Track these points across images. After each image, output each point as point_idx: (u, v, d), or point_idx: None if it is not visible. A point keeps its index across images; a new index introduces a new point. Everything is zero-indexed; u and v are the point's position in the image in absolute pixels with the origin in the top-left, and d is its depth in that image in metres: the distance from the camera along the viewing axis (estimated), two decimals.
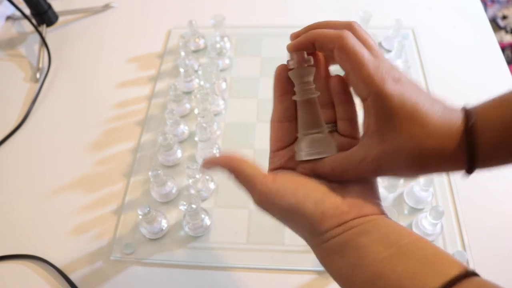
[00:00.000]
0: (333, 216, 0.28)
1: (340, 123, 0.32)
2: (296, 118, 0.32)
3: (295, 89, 0.31)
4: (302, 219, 0.28)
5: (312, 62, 0.30)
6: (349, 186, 0.30)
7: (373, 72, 0.27)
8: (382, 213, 0.30)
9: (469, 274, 0.24)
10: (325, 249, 0.28)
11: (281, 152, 0.33)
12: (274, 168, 0.33)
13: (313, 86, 0.31)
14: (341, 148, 0.31)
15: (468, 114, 0.27)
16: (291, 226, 0.30)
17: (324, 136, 0.31)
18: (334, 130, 0.32)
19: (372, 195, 0.30)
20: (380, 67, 0.27)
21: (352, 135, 0.31)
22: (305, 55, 0.30)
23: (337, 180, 0.30)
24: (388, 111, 0.27)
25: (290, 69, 0.31)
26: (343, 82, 0.31)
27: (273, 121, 0.33)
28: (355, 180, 0.30)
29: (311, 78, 0.30)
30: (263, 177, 0.30)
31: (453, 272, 0.23)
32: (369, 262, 0.26)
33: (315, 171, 0.31)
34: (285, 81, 0.31)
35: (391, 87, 0.27)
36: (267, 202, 0.29)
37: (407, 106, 0.27)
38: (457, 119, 0.27)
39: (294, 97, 0.31)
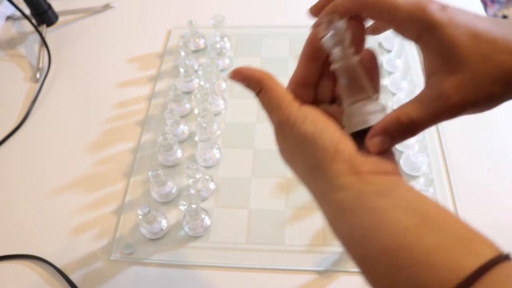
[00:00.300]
0: (346, 160, 0.26)
1: None
2: (314, 87, 0.31)
3: (334, 56, 0.29)
4: (314, 152, 0.27)
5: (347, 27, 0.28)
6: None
7: (416, 3, 0.25)
8: (400, 174, 0.27)
9: (504, 257, 0.21)
10: (335, 202, 0.26)
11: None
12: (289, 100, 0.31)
13: (353, 49, 0.29)
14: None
15: None
16: (300, 162, 0.28)
17: (375, 101, 0.28)
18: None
19: (389, 151, 0.28)
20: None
21: None
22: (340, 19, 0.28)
23: (415, 132, 0.27)
24: (448, 40, 0.25)
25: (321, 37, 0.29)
26: (374, 57, 0.30)
27: (291, 82, 0.31)
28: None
29: (349, 43, 0.29)
30: (291, 100, 0.29)
31: (489, 253, 0.21)
32: (390, 230, 0.23)
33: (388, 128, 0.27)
34: (316, 47, 0.30)
35: (441, 15, 0.25)
36: (287, 125, 0.28)
37: (466, 30, 0.25)
38: None
39: (333, 66, 0.29)
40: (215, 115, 0.61)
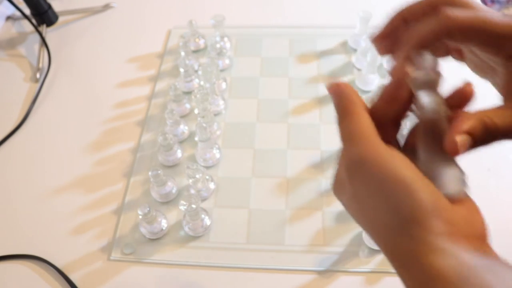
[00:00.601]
0: (446, 219, 0.22)
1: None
2: (393, 128, 0.27)
3: (423, 102, 0.25)
4: (409, 202, 0.22)
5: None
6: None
7: (502, 21, 0.24)
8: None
9: None
10: (432, 269, 0.21)
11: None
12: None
13: (442, 97, 0.25)
14: None
15: None
16: (383, 212, 0.23)
17: (459, 167, 0.26)
18: None
19: (479, 214, 0.24)
20: (498, 14, 0.25)
21: None
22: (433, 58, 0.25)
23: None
24: None
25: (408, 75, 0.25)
26: (468, 98, 0.26)
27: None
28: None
29: (438, 87, 0.25)
30: (378, 135, 0.24)
31: None
32: None
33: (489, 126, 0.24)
34: (402, 85, 0.26)
35: None
36: (374, 162, 0.23)
37: None
38: None
39: (420, 113, 0.25)
40: (215, 115, 0.61)
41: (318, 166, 0.55)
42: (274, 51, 0.70)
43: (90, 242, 0.51)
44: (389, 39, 0.29)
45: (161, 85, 0.66)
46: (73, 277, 0.48)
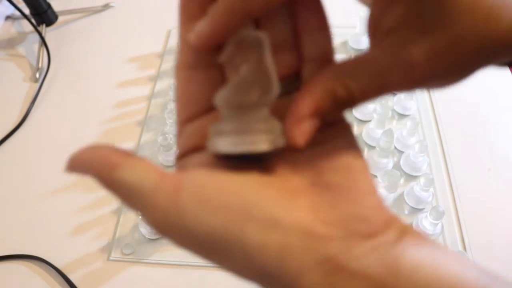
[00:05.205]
0: (307, 251, 0.16)
1: (307, 67, 0.19)
2: (216, 64, 0.19)
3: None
4: (240, 259, 0.16)
5: None
6: (328, 172, 0.18)
7: None
8: (397, 219, 0.17)
9: None
10: None
11: (195, 122, 0.20)
12: (184, 152, 0.20)
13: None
14: None
15: None
16: (226, 266, 0.17)
17: (265, 113, 0.18)
18: (295, 87, 0.19)
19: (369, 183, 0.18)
20: None
21: None
22: None
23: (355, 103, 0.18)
24: None
25: None
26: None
27: (178, 68, 0.20)
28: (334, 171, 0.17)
29: None
30: (158, 182, 0.17)
31: None
32: None
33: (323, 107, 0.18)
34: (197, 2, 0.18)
35: None
36: (168, 227, 0.17)
37: None
38: None
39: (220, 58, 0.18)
40: None
41: None
42: None
43: (89, 242, 0.51)
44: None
45: (161, 85, 0.66)
46: (72, 277, 0.47)
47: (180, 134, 0.20)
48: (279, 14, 0.19)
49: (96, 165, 0.18)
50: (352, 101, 0.18)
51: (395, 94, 0.16)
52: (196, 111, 0.19)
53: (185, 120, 0.20)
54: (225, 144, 0.17)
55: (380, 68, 0.17)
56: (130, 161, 0.18)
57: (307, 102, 0.17)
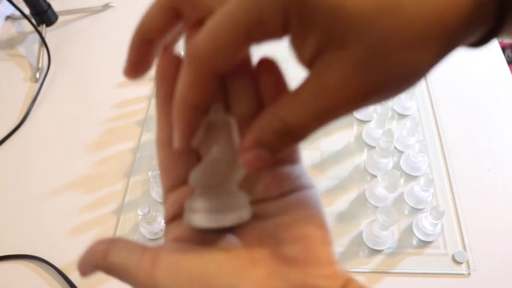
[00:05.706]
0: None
1: None
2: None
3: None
4: None
5: None
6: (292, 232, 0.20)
7: None
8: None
9: None
10: None
11: (177, 191, 0.22)
12: (169, 218, 0.22)
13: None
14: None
15: None
16: None
17: (234, 189, 0.21)
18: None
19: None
20: None
21: None
22: None
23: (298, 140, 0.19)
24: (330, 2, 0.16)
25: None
26: (275, 67, 0.22)
27: (158, 144, 0.22)
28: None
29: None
30: (139, 259, 0.20)
31: None
32: None
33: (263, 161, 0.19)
34: (173, 81, 0.21)
35: None
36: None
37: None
38: None
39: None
40: None
41: (318, 166, 0.55)
42: (274, 51, 0.69)
43: (90, 242, 0.50)
44: (141, 67, 0.23)
45: None
46: (72, 277, 0.47)
47: (165, 201, 0.23)
48: (244, 89, 0.21)
49: (94, 259, 0.21)
50: (294, 132, 0.19)
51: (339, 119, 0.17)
52: (177, 182, 0.22)
53: (168, 188, 0.22)
54: (198, 220, 0.20)
55: (310, 96, 0.18)
56: (117, 246, 0.21)
57: (249, 136, 0.19)
